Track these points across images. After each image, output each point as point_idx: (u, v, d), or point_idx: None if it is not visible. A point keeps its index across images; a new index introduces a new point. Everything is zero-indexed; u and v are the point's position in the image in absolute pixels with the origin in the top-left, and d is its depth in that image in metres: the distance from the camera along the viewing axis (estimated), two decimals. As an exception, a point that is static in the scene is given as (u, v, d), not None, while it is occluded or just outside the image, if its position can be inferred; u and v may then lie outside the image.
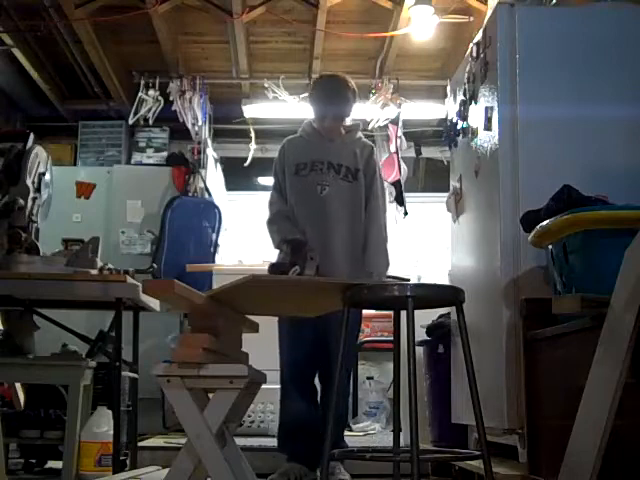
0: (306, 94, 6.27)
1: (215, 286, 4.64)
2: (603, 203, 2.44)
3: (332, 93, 3.50)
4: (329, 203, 3.37)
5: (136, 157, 6.50)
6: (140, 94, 6.13)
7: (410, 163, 6.61)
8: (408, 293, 2.22)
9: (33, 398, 3.79)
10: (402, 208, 6.10)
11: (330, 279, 2.93)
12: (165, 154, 6.43)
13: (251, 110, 6.42)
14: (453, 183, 3.64)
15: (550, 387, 2.49)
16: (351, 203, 3.41)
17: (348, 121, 3.63)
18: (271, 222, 3.45)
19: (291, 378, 3.39)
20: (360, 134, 3.64)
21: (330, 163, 3.42)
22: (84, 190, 6.09)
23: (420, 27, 5.24)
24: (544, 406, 2.53)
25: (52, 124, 6.72)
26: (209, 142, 6.40)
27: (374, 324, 5.75)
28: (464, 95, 3.38)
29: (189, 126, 6.18)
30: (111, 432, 3.37)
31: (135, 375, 3.72)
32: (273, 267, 3.10)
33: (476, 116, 3.23)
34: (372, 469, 3.54)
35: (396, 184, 6.13)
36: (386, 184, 6.18)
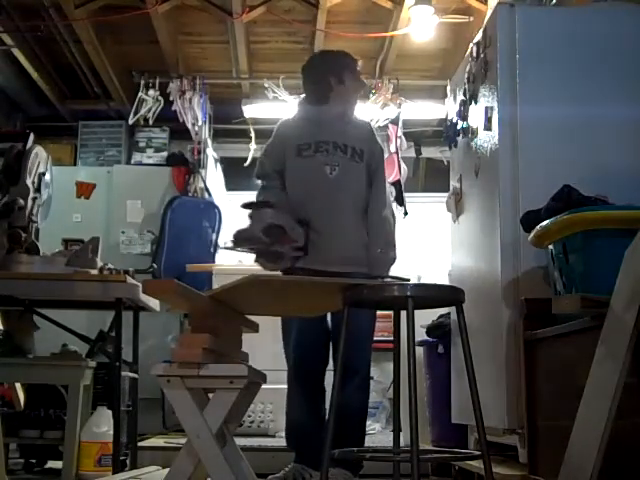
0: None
1: (215, 286, 4.65)
2: (603, 203, 2.45)
3: (334, 68, 3.38)
4: (339, 183, 3.22)
5: (136, 157, 6.49)
6: (140, 94, 6.13)
7: (410, 163, 6.61)
8: (408, 293, 2.22)
9: (33, 398, 3.79)
10: (402, 208, 6.09)
11: (330, 279, 2.92)
12: (165, 154, 6.43)
13: (251, 110, 6.42)
14: (453, 183, 3.64)
15: (550, 387, 2.49)
16: (360, 183, 3.26)
17: None
18: (264, 188, 3.32)
19: (297, 375, 3.31)
20: (356, 114, 3.50)
21: (335, 143, 3.26)
22: (84, 190, 6.08)
23: (420, 27, 5.24)
24: (544, 406, 2.53)
25: (52, 124, 6.72)
26: (209, 142, 6.39)
27: (374, 324, 5.73)
28: (464, 95, 3.38)
29: (189, 126, 6.18)
30: (111, 432, 3.37)
31: (135, 375, 3.72)
32: (238, 233, 3.07)
33: (476, 116, 3.23)
34: (372, 469, 3.53)
35: (396, 184, 6.12)
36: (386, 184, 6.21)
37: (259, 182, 3.40)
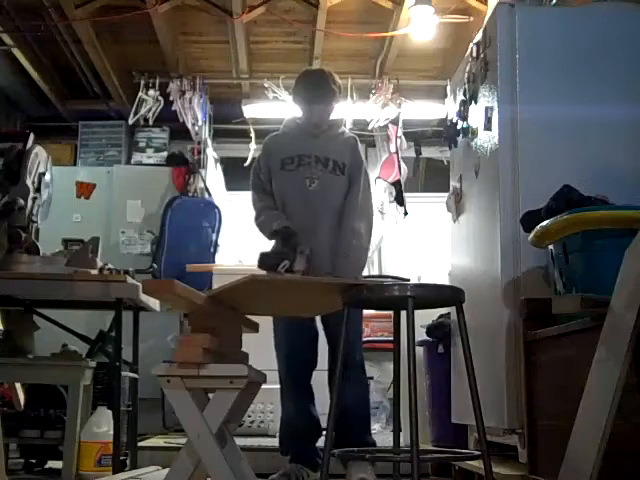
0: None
1: (215, 286, 4.65)
2: (603, 203, 2.45)
3: (316, 89, 3.40)
4: (318, 196, 3.32)
5: (136, 157, 6.50)
6: (140, 94, 6.13)
7: (410, 163, 6.60)
8: (408, 293, 2.23)
9: (33, 398, 3.79)
10: (402, 208, 6.09)
11: (330, 279, 2.93)
12: (165, 154, 6.43)
13: (251, 110, 6.42)
14: (453, 183, 3.64)
15: (550, 387, 2.49)
16: (340, 196, 3.35)
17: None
18: (258, 217, 3.41)
19: (287, 377, 3.37)
20: (343, 128, 3.59)
21: (317, 157, 3.36)
22: (84, 190, 6.09)
23: (420, 27, 5.24)
24: (544, 406, 2.53)
25: (52, 124, 6.72)
26: (209, 142, 6.40)
27: (374, 324, 5.74)
28: (464, 95, 3.38)
29: (189, 126, 6.18)
30: (111, 432, 3.37)
31: (135, 375, 3.72)
32: (262, 256, 3.12)
33: (476, 116, 3.23)
34: (372, 469, 3.53)
35: (396, 184, 6.13)
36: (386, 184, 6.21)
37: (252, 193, 3.50)
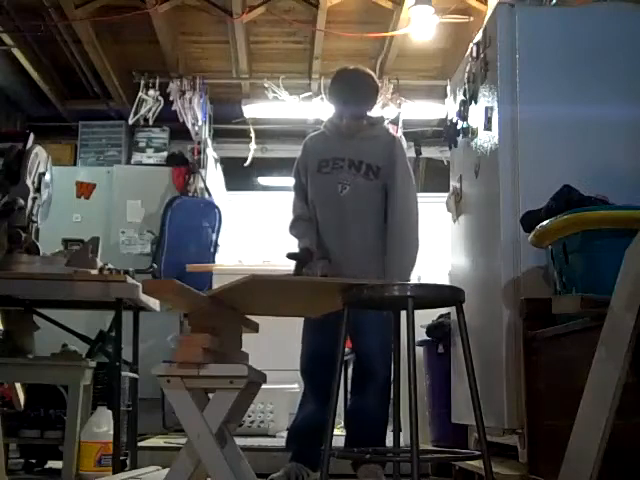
0: (306, 94, 6.30)
1: (215, 286, 4.65)
2: (603, 203, 2.45)
3: (350, 90, 3.31)
4: (348, 203, 3.23)
5: (136, 157, 6.50)
6: (140, 94, 6.13)
7: (410, 163, 6.60)
8: (408, 293, 2.22)
9: (33, 398, 3.79)
10: (402, 208, 6.08)
11: (330, 279, 2.93)
12: (165, 154, 6.43)
13: (251, 110, 6.42)
14: (453, 183, 3.64)
15: (550, 387, 2.49)
16: (373, 202, 3.25)
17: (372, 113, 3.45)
18: (291, 228, 3.35)
19: (303, 375, 3.31)
20: (383, 128, 3.49)
21: (351, 160, 3.26)
22: (84, 190, 6.09)
23: (420, 27, 5.24)
24: (544, 406, 2.53)
25: (52, 124, 6.73)
26: (209, 142, 6.40)
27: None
28: (464, 95, 3.38)
29: (189, 126, 6.18)
30: (111, 432, 3.37)
31: (135, 375, 3.72)
32: (290, 256, 3.14)
33: (476, 116, 3.23)
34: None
35: (396, 184, 6.12)
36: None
37: (294, 195, 3.41)
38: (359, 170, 3.25)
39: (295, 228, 3.33)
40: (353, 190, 3.24)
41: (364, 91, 3.33)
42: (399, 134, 6.19)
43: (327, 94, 3.42)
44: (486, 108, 3.05)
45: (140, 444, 3.90)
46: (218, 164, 6.69)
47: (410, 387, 2.12)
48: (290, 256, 3.20)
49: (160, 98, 6.13)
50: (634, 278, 1.92)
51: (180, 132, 6.37)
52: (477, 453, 2.37)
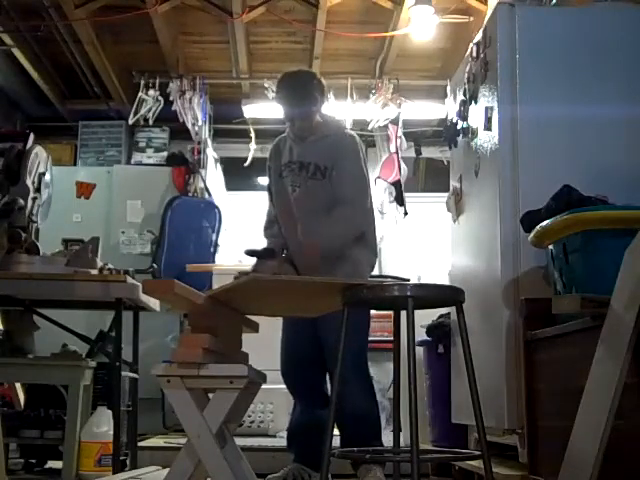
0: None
1: (215, 286, 4.64)
2: (603, 203, 2.45)
3: (293, 91, 3.29)
4: (298, 205, 3.26)
5: (136, 157, 6.50)
6: (140, 94, 6.13)
7: (410, 163, 6.61)
8: (408, 293, 2.22)
9: (33, 398, 3.79)
10: (402, 208, 6.09)
11: (330, 279, 2.92)
12: (165, 154, 6.43)
13: (251, 110, 6.42)
14: (453, 183, 3.64)
15: (550, 387, 2.49)
16: (322, 201, 3.21)
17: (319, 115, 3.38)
18: (264, 230, 3.49)
19: (282, 375, 3.34)
20: (338, 124, 3.46)
21: (301, 163, 3.28)
22: (84, 190, 6.09)
23: (420, 27, 5.24)
24: (544, 406, 2.53)
25: (52, 124, 6.72)
26: (209, 142, 6.39)
27: (374, 324, 5.72)
28: (464, 95, 3.38)
29: (189, 126, 6.18)
30: (111, 432, 3.37)
31: (135, 375, 3.72)
32: (248, 253, 3.26)
33: (476, 116, 3.23)
34: (372, 469, 3.52)
35: (396, 184, 6.13)
36: (386, 184, 6.21)
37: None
38: (307, 171, 3.27)
39: (265, 230, 3.46)
40: (303, 192, 3.27)
41: (307, 90, 3.29)
42: (399, 134, 6.20)
43: (275, 99, 3.41)
44: (486, 108, 3.05)
45: (140, 444, 3.90)
46: (218, 164, 6.68)
47: (410, 387, 2.12)
48: (249, 253, 3.27)
49: (160, 98, 6.13)
50: (634, 278, 1.92)
51: (180, 132, 6.37)
52: (477, 453, 2.37)
